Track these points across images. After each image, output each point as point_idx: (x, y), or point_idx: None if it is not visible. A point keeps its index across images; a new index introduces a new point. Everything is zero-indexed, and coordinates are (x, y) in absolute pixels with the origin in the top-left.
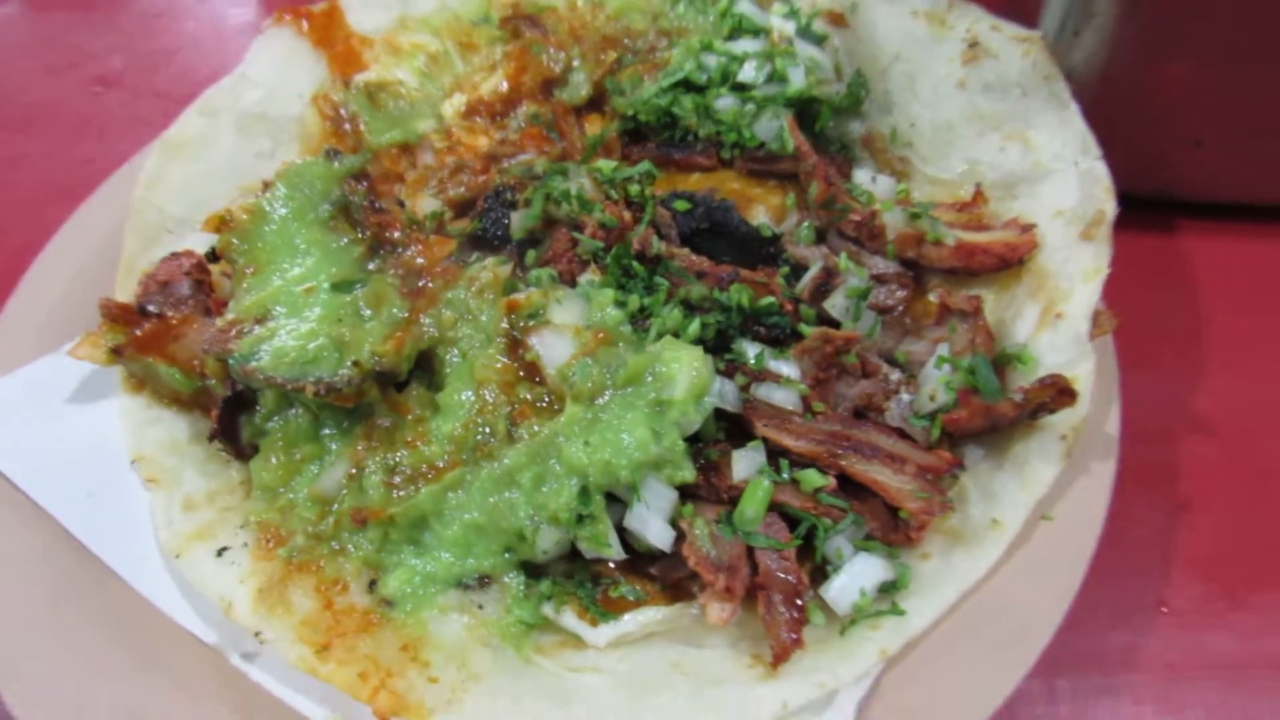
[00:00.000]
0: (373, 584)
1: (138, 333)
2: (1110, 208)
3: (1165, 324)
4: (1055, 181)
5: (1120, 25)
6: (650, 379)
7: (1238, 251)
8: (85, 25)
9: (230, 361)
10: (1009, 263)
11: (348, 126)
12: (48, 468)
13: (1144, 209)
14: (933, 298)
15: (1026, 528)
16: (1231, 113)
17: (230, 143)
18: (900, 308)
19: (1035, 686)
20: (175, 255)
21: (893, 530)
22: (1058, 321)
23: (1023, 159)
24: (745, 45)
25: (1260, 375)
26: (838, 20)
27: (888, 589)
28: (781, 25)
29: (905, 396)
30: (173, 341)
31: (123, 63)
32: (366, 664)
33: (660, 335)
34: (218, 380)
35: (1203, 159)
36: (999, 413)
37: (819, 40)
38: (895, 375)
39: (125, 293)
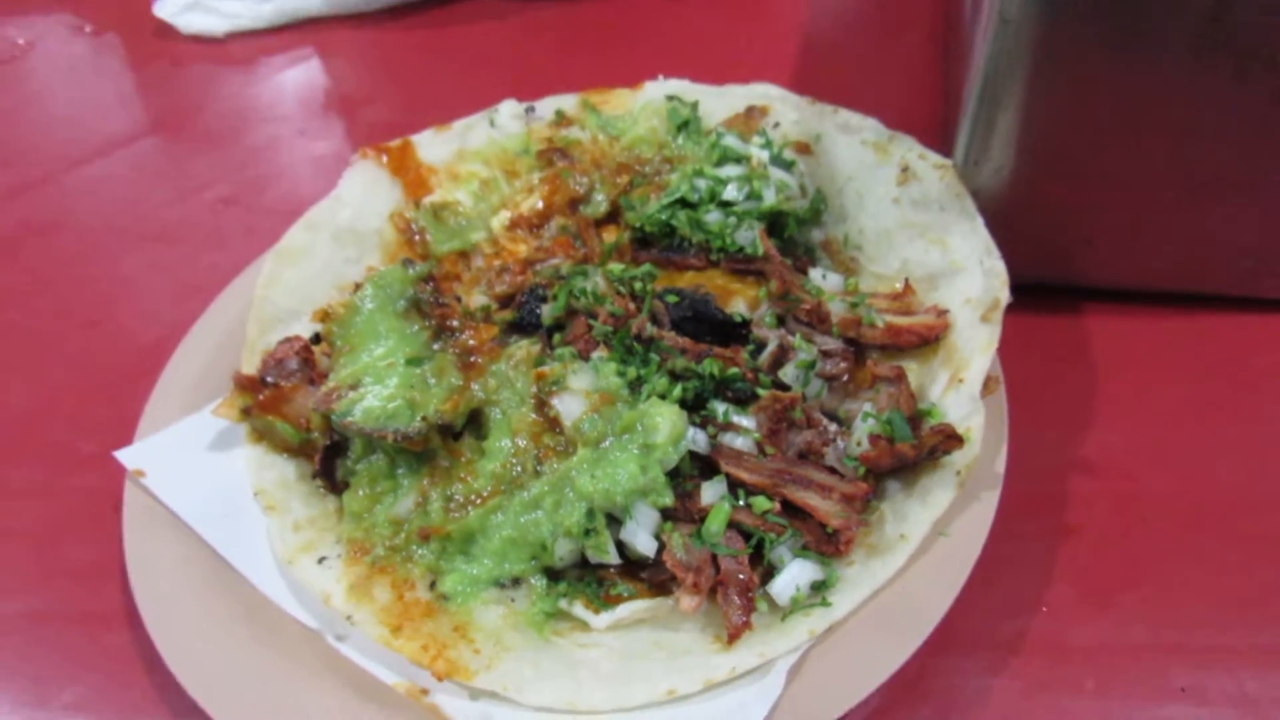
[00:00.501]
0: (433, 583)
1: (260, 398)
2: (1004, 296)
3: (1060, 387)
4: (966, 276)
5: (1006, 159)
6: (640, 428)
7: (1122, 327)
8: (207, 155)
9: (332, 417)
10: (928, 340)
11: (417, 238)
12: (195, 498)
13: (1050, 294)
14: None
15: (927, 541)
16: (1105, 222)
17: (327, 251)
18: (844, 376)
19: (940, 664)
20: (287, 339)
21: (825, 543)
22: (959, 385)
23: (942, 259)
24: (729, 170)
25: (1135, 427)
26: (803, 149)
27: (819, 587)
28: (758, 153)
29: (840, 443)
30: (285, 404)
31: (237, 186)
32: (428, 640)
33: (650, 396)
34: (319, 432)
35: (1089, 255)
36: (901, 452)
37: (788, 165)
38: (833, 427)
39: (249, 368)
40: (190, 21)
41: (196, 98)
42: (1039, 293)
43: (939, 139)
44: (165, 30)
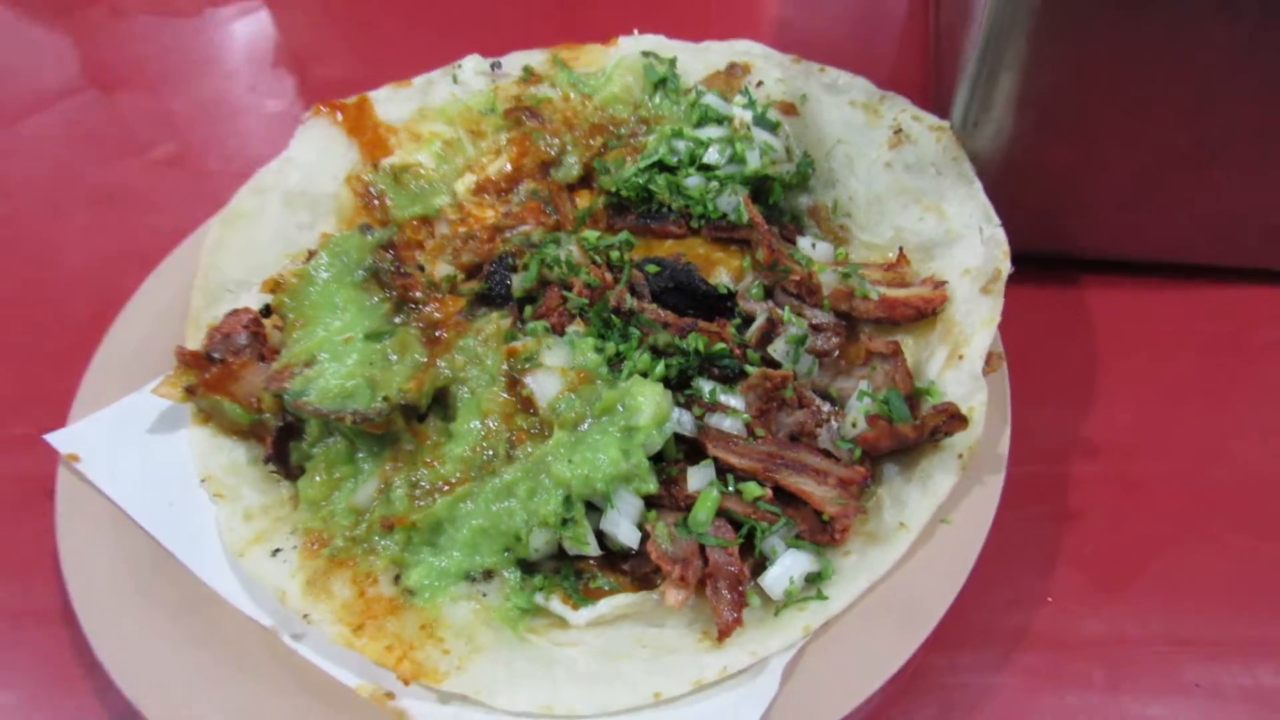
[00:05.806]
0: (397, 577)
1: (206, 375)
2: (1006, 267)
3: (1060, 363)
4: (964, 245)
5: (1008, 119)
6: (621, 409)
7: (1124, 300)
8: (148, 112)
9: (285, 397)
10: (925, 313)
11: (376, 203)
12: (134, 484)
13: (1048, 265)
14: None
15: (928, 529)
16: (1109, 187)
17: (277, 216)
18: (835, 352)
19: (940, 660)
20: (235, 311)
21: (820, 531)
22: (960, 361)
23: (938, 226)
24: (710, 132)
25: (1139, 406)
26: (789, 110)
27: (814, 579)
28: (741, 114)
29: (834, 424)
30: (234, 382)
31: (181, 145)
32: (392, 639)
33: (631, 374)
34: (272, 413)
35: (1091, 224)
36: (902, 434)
37: (773, 127)
38: (826, 407)
39: (194, 342)
40: None
41: (138, 50)
42: (1038, 264)
43: (927, 102)
44: None
